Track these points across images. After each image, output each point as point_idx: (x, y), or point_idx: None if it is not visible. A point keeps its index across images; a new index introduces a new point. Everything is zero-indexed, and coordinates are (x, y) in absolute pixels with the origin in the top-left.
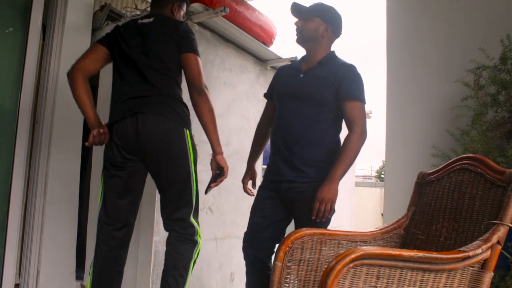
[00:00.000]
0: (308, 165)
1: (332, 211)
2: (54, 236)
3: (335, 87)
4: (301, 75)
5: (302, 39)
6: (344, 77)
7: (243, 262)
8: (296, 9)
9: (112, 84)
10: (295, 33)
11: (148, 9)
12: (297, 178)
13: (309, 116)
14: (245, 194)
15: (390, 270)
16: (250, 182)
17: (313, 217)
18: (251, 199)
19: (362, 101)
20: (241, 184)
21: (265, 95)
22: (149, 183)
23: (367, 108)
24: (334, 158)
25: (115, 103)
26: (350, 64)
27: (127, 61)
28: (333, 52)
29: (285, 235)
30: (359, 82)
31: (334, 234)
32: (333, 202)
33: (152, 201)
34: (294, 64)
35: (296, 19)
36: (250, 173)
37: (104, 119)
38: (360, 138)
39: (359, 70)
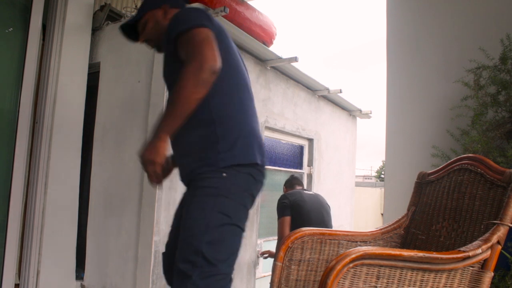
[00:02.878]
0: None
1: (155, 176)
2: (54, 236)
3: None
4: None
5: (157, 46)
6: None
7: (242, 262)
8: (127, 27)
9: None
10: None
11: None
12: None
13: None
14: None
15: (390, 270)
16: None
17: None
18: None
19: (190, 27)
20: None
21: None
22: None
23: (367, 108)
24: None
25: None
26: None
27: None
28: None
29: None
30: (179, 17)
31: (334, 234)
32: (152, 163)
33: (152, 202)
34: None
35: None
36: None
37: (104, 118)
38: (197, 71)
39: (357, 70)
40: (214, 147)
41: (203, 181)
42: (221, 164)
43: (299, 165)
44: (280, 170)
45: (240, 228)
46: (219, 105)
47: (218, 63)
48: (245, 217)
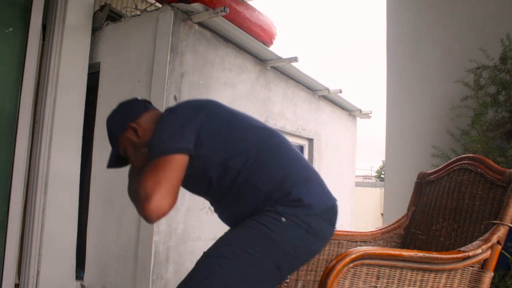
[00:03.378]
0: None
1: None
2: (54, 236)
3: None
4: None
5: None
6: None
7: None
8: (115, 162)
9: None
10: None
11: (149, 9)
12: None
13: None
14: None
15: (390, 270)
16: None
17: None
18: None
19: (159, 154)
20: None
21: None
22: None
23: (367, 108)
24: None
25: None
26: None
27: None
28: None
29: None
30: (156, 135)
31: (334, 234)
32: None
33: None
34: None
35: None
36: None
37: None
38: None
39: (357, 70)
40: (271, 204)
41: (258, 216)
42: (280, 209)
43: None
44: None
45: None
46: (263, 180)
47: (161, 213)
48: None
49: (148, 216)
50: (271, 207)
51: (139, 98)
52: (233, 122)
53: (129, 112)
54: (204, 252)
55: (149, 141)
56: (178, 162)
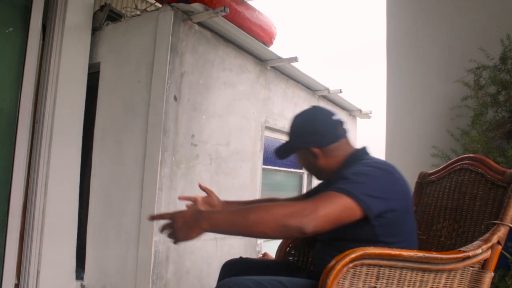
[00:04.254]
0: None
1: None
2: (54, 236)
3: None
4: None
5: (318, 177)
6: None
7: None
8: (281, 155)
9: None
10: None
11: (149, 9)
12: None
13: None
14: (245, 194)
15: (390, 270)
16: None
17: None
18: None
19: (339, 191)
20: (241, 184)
21: None
22: (149, 183)
23: (367, 108)
24: None
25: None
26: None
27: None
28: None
29: None
30: (352, 174)
31: None
32: (176, 232)
33: (152, 202)
34: None
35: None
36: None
37: (104, 118)
38: (294, 215)
39: (360, 80)
40: None
41: None
42: None
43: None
44: (280, 170)
45: None
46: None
47: (312, 229)
48: None
49: (300, 230)
50: None
51: (337, 117)
52: (411, 217)
53: (321, 135)
54: None
55: (337, 171)
56: (350, 209)
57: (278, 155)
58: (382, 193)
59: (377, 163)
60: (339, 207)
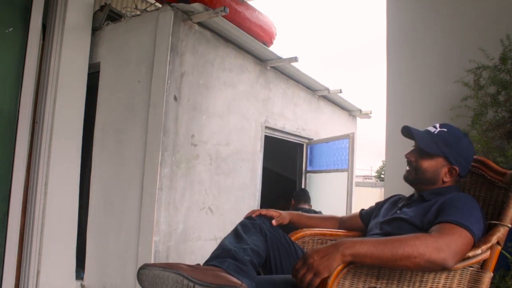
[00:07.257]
0: None
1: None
2: (54, 236)
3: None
4: None
5: (414, 180)
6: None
7: None
8: (409, 135)
9: None
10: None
11: (149, 9)
12: None
13: None
14: (245, 194)
15: (390, 270)
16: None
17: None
18: (251, 200)
19: (466, 227)
20: (241, 184)
21: None
22: (149, 183)
23: (367, 108)
24: None
25: None
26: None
27: None
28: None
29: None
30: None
31: (335, 234)
32: (315, 273)
33: (152, 202)
34: None
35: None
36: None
37: (104, 118)
38: (432, 250)
39: (360, 80)
40: None
41: None
42: None
43: None
44: (325, 171)
45: None
46: None
47: (453, 264)
48: None
49: (443, 264)
50: None
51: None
52: None
53: (468, 165)
54: None
55: (431, 191)
56: (471, 243)
57: (415, 134)
58: (481, 223)
59: (468, 196)
60: (466, 241)
